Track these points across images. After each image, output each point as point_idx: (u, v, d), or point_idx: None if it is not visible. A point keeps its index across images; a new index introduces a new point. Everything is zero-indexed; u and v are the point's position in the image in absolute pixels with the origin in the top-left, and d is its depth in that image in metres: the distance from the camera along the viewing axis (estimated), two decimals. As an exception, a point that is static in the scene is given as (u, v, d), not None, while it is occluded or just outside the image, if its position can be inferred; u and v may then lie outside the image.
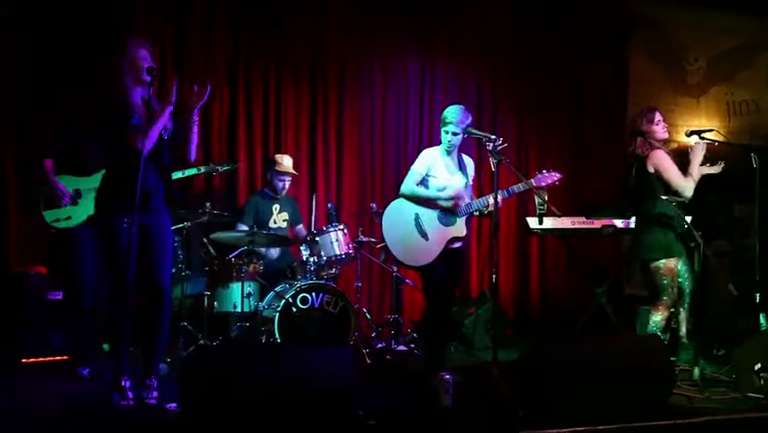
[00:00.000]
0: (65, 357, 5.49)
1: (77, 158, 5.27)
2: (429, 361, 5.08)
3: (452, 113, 5.06)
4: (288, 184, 6.48)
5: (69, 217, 5.20)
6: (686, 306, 5.42)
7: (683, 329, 5.46)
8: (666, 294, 5.27)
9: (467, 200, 5.04)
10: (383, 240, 5.15)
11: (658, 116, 5.31)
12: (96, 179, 5.24)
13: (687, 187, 5.18)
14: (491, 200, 4.86)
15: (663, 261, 5.25)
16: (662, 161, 5.25)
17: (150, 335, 4.34)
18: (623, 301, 6.64)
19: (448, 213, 5.04)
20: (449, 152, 5.15)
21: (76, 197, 5.20)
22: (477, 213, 5.14)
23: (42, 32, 6.15)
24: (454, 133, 5.03)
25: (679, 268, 5.33)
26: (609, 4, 8.10)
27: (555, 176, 5.12)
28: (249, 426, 3.58)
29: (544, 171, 5.14)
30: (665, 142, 5.41)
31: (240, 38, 6.95)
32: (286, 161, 6.46)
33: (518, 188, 5.03)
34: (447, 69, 7.72)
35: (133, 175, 3.99)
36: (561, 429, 3.76)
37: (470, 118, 5.08)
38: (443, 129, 5.09)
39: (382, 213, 5.21)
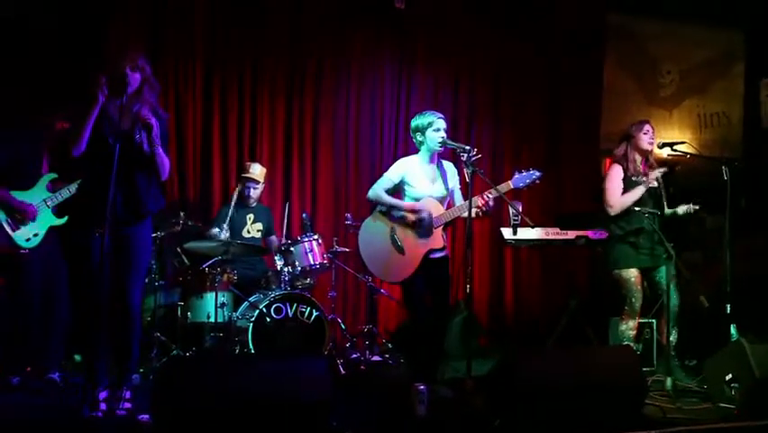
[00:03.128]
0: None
1: (18, 170, 5.15)
2: (414, 373, 4.93)
3: (433, 114, 5.03)
4: (254, 192, 6.44)
5: (37, 234, 5.12)
6: (670, 319, 5.46)
7: (667, 341, 5.50)
8: (627, 304, 5.45)
9: (425, 214, 4.92)
10: (360, 257, 5.08)
11: (648, 128, 5.67)
12: (41, 190, 5.19)
13: (611, 208, 5.56)
14: (477, 200, 4.76)
15: (619, 271, 5.47)
16: (609, 172, 5.68)
17: (121, 346, 4.30)
18: (596, 312, 6.67)
19: (423, 225, 4.96)
20: (431, 160, 5.09)
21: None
22: (475, 216, 4.86)
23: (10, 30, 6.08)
24: (445, 129, 4.99)
25: (658, 280, 5.46)
26: (583, 16, 8.15)
27: (535, 174, 4.96)
28: (222, 438, 3.56)
29: (523, 171, 4.99)
30: (648, 154, 5.59)
31: (215, 45, 6.93)
32: (252, 169, 6.44)
33: (497, 190, 4.83)
34: (424, 78, 7.73)
35: (106, 185, 3.96)
36: (534, 440, 3.78)
37: None
38: (429, 130, 4.99)
39: (357, 225, 5.15)
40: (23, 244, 5.07)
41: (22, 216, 5.05)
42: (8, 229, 5.03)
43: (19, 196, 5.10)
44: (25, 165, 5.20)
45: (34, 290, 5.18)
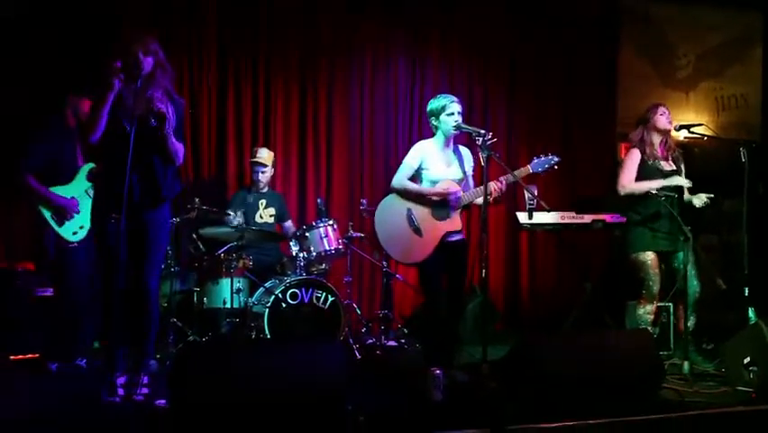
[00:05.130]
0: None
1: (57, 166, 5.20)
2: (427, 357, 4.95)
3: (446, 97, 4.97)
4: (262, 176, 6.45)
5: (83, 226, 5.18)
6: (689, 304, 5.42)
7: (685, 327, 5.47)
8: (644, 288, 5.42)
9: (459, 193, 4.88)
10: (376, 239, 5.02)
11: (663, 109, 5.65)
12: (81, 181, 5.22)
13: (622, 188, 5.55)
14: (491, 185, 4.68)
15: (636, 254, 5.44)
16: (627, 155, 5.69)
17: (139, 331, 4.32)
18: (613, 296, 6.65)
19: (441, 207, 4.94)
20: (446, 144, 5.03)
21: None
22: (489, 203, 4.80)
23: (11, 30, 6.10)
24: (460, 113, 4.92)
25: (676, 265, 5.43)
26: (598, 1, 8.10)
27: (554, 159, 4.88)
28: (238, 422, 3.57)
29: (542, 156, 4.92)
30: (667, 133, 5.55)
31: (228, 35, 6.94)
32: (260, 153, 6.46)
33: (515, 175, 4.79)
34: (437, 66, 7.70)
35: (122, 170, 3.96)
36: (550, 424, 3.76)
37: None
38: (443, 115, 4.92)
39: (372, 210, 5.12)
40: (70, 238, 5.15)
41: (64, 211, 5.12)
42: (54, 225, 5.11)
43: (60, 191, 5.16)
44: (62, 160, 5.24)
45: (81, 281, 5.24)
